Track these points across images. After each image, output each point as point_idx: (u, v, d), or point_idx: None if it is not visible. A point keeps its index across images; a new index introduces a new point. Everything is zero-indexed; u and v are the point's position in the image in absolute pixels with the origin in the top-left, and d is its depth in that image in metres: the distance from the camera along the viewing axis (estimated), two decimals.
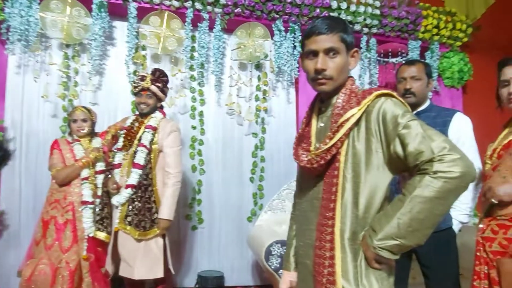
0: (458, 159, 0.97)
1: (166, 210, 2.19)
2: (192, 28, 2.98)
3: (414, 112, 1.98)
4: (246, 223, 3.19)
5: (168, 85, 2.93)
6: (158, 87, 2.32)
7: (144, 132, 2.26)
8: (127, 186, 2.20)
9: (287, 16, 3.14)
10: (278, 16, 3.13)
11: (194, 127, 3.14)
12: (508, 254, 1.44)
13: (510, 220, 1.46)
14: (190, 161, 3.11)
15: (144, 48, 3.01)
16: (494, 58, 1.66)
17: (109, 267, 2.31)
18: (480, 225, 1.59)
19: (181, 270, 3.05)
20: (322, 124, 1.23)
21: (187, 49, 2.99)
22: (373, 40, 3.39)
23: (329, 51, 1.13)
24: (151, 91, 2.30)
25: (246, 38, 3.11)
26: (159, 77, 2.35)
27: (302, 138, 1.29)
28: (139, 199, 2.20)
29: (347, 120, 1.10)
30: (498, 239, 1.48)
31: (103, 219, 2.35)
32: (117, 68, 2.98)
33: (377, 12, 3.31)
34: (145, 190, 2.21)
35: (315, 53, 1.14)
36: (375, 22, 3.31)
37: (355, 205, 1.08)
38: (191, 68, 3.10)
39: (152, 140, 2.26)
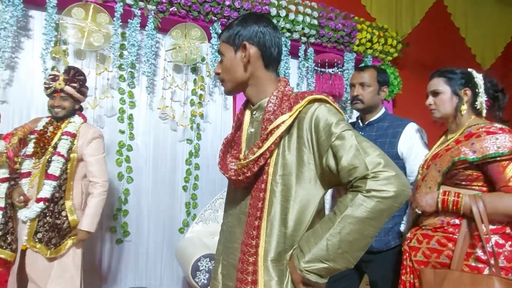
0: (393, 176, 0.89)
1: (87, 221, 1.99)
2: (121, 24, 2.73)
3: (368, 121, 1.92)
4: (178, 235, 2.99)
5: (93, 84, 2.69)
6: (74, 87, 2.07)
7: (61, 139, 2.02)
8: (39, 200, 1.94)
9: (225, 20, 3.04)
10: (216, 18, 3.01)
11: (122, 131, 2.88)
12: (430, 264, 1.46)
13: (433, 230, 1.48)
14: (116, 168, 2.85)
15: (65, 42, 2.70)
16: (420, 74, 1.71)
17: None
18: (408, 235, 1.60)
19: None
20: (252, 130, 1.12)
21: (115, 46, 2.74)
22: (311, 50, 3.41)
23: (220, 55, 1.14)
24: (66, 93, 2.05)
25: (182, 39, 2.94)
26: (75, 76, 2.09)
27: (232, 144, 1.17)
28: (50, 213, 1.96)
29: (277, 127, 1.00)
30: (422, 249, 1.50)
31: (6, 235, 2.02)
32: (32, 63, 2.63)
33: (315, 22, 3.34)
34: (56, 203, 1.97)
35: None
36: (313, 32, 3.35)
37: (283, 223, 0.98)
38: (120, 67, 2.85)
39: (71, 148, 2.03)
